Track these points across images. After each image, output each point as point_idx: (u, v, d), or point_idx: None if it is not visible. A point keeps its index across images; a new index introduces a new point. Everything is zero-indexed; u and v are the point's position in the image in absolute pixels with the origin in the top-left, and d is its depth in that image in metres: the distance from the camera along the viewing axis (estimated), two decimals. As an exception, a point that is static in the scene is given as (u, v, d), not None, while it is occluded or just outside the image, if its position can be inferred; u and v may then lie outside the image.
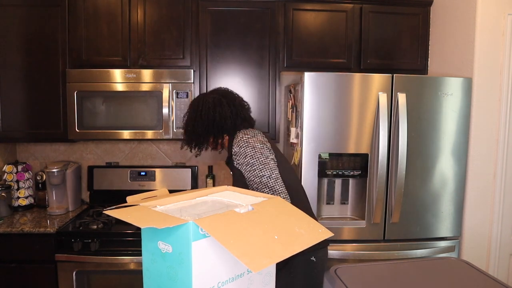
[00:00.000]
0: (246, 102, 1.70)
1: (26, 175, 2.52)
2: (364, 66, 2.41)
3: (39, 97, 2.31)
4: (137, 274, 2.06)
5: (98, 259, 2.06)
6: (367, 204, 2.05)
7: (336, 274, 0.81)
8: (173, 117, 2.28)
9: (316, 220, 1.00)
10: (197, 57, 2.34)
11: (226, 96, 1.62)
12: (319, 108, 1.98)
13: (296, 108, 2.14)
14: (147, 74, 2.27)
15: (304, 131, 1.99)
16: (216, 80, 2.36)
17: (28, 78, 2.30)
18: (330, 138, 2.00)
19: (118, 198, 2.56)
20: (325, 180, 2.13)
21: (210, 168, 2.70)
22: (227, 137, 1.61)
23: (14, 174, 2.47)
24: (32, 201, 2.55)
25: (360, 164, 2.03)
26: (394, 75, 2.01)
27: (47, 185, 2.46)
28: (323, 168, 2.02)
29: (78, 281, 2.07)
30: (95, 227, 2.13)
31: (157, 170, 2.62)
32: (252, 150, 1.46)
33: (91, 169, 2.62)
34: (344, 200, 2.16)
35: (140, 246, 0.72)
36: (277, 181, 1.43)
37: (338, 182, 2.15)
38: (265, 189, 1.41)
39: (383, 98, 1.99)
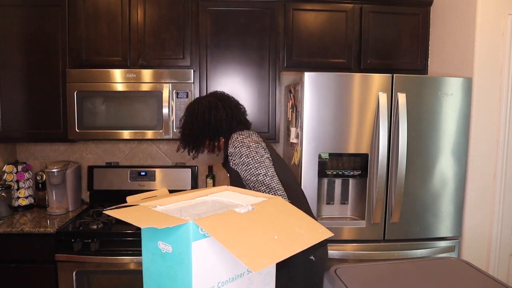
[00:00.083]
0: (242, 106, 1.73)
1: (26, 175, 2.52)
2: (364, 66, 2.41)
3: (39, 97, 2.31)
4: (137, 274, 2.06)
5: (98, 259, 2.06)
6: (367, 204, 2.05)
7: (336, 274, 0.81)
8: (173, 117, 2.28)
9: (316, 220, 1.00)
10: (197, 57, 2.34)
11: (222, 100, 1.65)
12: (319, 108, 1.98)
13: (296, 108, 2.14)
14: (147, 74, 2.27)
15: (304, 131, 1.99)
16: (216, 80, 2.36)
17: (28, 78, 2.30)
18: (330, 138, 2.00)
19: (118, 198, 2.56)
20: (325, 180, 2.13)
21: (210, 168, 2.70)
22: (223, 139, 1.63)
23: (14, 174, 2.47)
24: (32, 201, 2.55)
25: (360, 164, 2.03)
26: (394, 75, 2.01)
27: (47, 185, 2.46)
28: (323, 168, 2.02)
29: (78, 281, 2.07)
30: (95, 227, 2.13)
31: (157, 170, 2.62)
32: (247, 150, 1.48)
33: (91, 169, 2.62)
34: (344, 200, 2.16)
35: (140, 246, 0.72)
36: (273, 178, 1.44)
37: (338, 182, 2.15)
38: (261, 187, 1.42)
39: (383, 98, 1.99)
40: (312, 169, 2.01)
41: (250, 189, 1.45)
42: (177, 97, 2.28)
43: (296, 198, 1.51)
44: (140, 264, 2.05)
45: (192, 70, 2.30)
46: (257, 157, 1.46)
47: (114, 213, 0.70)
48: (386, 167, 2.02)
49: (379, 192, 2.02)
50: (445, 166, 2.08)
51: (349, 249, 2.04)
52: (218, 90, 2.29)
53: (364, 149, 2.03)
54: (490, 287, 0.77)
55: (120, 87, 2.27)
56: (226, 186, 0.95)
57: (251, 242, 0.64)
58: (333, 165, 2.03)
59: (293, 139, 2.18)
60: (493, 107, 2.07)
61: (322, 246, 1.54)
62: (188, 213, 0.74)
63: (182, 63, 2.34)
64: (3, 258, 2.09)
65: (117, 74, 2.27)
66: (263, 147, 1.52)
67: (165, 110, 2.26)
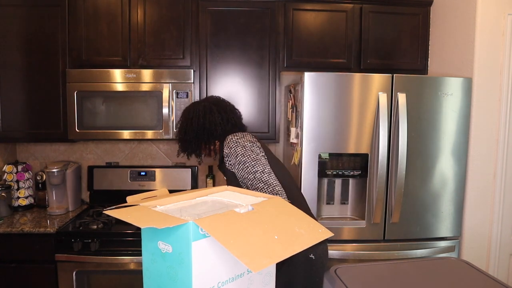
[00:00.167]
0: (238, 110, 1.75)
1: (26, 175, 2.52)
2: (364, 66, 2.41)
3: (39, 97, 2.31)
4: (137, 274, 2.06)
5: (98, 259, 2.06)
6: (367, 204, 2.05)
7: (336, 274, 0.81)
8: (173, 117, 2.28)
9: (316, 220, 1.00)
10: (197, 57, 2.34)
11: (217, 104, 1.68)
12: (319, 108, 1.98)
13: (296, 108, 2.14)
14: (147, 74, 2.27)
15: (304, 131, 1.99)
16: (216, 80, 2.36)
17: (28, 78, 2.30)
18: (330, 138, 2.00)
19: (118, 198, 2.56)
20: (325, 180, 2.13)
21: (210, 168, 2.70)
22: (218, 143, 1.65)
23: (14, 174, 2.47)
24: (32, 201, 2.55)
25: (360, 164, 2.03)
26: (394, 75, 2.01)
27: (47, 185, 2.46)
28: (323, 168, 2.02)
29: (78, 281, 2.07)
30: (95, 227, 2.13)
31: (157, 170, 2.62)
32: (243, 149, 1.49)
33: (91, 169, 2.62)
34: (344, 200, 2.16)
35: (140, 246, 0.72)
36: (271, 175, 1.45)
37: (338, 182, 2.15)
38: (259, 184, 1.42)
39: (383, 98, 1.99)
40: (312, 169, 2.01)
41: (248, 188, 1.46)
42: (177, 97, 2.28)
43: (296, 200, 1.51)
44: (140, 264, 2.05)
45: (192, 70, 2.30)
46: (253, 156, 1.48)
47: (114, 213, 0.70)
48: (386, 167, 2.02)
49: (379, 192, 2.02)
50: (445, 166, 2.08)
51: (349, 249, 2.04)
52: (217, 92, 2.35)
53: (364, 149, 2.03)
54: (490, 287, 0.77)
55: (120, 87, 2.27)
56: (226, 186, 0.95)
57: (251, 242, 0.64)
58: (333, 165, 2.03)
59: (293, 139, 2.18)
60: (493, 107, 2.07)
61: (321, 244, 1.54)
62: (188, 213, 0.74)
63: (182, 63, 2.34)
64: (3, 258, 2.09)
65: (117, 74, 2.27)
66: (258, 146, 1.54)
67: (165, 110, 2.26)
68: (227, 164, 1.53)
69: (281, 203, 0.80)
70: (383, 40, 2.42)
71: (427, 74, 2.48)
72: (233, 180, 1.52)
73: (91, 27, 2.30)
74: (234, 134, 1.57)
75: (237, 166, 1.48)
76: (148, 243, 0.71)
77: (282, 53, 2.38)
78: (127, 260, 2.07)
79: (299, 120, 2.05)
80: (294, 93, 2.20)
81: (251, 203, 0.78)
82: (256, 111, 2.39)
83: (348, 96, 1.99)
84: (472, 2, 2.08)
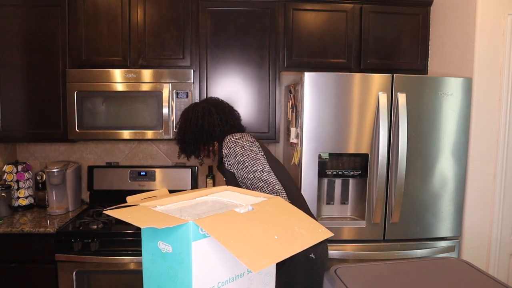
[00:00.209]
0: (237, 111, 1.77)
1: (26, 175, 2.52)
2: (364, 66, 2.41)
3: (39, 97, 2.31)
4: (137, 274, 2.06)
5: (98, 259, 2.06)
6: (367, 204, 2.05)
7: (336, 274, 0.81)
8: (173, 117, 2.28)
9: (316, 220, 1.00)
10: (197, 57, 2.34)
11: (216, 105, 1.69)
12: (319, 108, 1.98)
13: (296, 108, 2.14)
14: (147, 74, 2.27)
15: (304, 131, 1.99)
16: (216, 80, 2.36)
17: (28, 78, 2.30)
18: (330, 138, 2.00)
19: (118, 198, 2.56)
20: (325, 180, 2.13)
21: (210, 168, 2.70)
22: (217, 144, 1.66)
23: (14, 174, 2.47)
24: (32, 201, 2.55)
25: (360, 164, 2.03)
26: (394, 75, 2.01)
27: (47, 185, 2.46)
28: (323, 168, 2.02)
29: (78, 281, 2.07)
30: (95, 227, 2.13)
31: (157, 170, 2.62)
32: (242, 149, 1.49)
33: (91, 169, 2.62)
34: (344, 200, 2.16)
35: (140, 246, 0.72)
36: (270, 174, 1.45)
37: (338, 182, 2.15)
38: (259, 183, 1.42)
39: (383, 98, 1.99)
40: (312, 169, 2.01)
41: (247, 187, 1.46)
42: (177, 97, 2.28)
43: (296, 201, 1.51)
44: (140, 264, 2.05)
45: (192, 70, 2.30)
46: (252, 155, 1.48)
47: (114, 213, 0.70)
48: (386, 167, 2.02)
49: (379, 192, 2.02)
50: (445, 166, 2.08)
51: (349, 249, 2.04)
52: (217, 92, 2.36)
53: (364, 149, 2.03)
54: (490, 287, 0.77)
55: (120, 87, 2.27)
56: (226, 186, 0.95)
57: (251, 242, 0.64)
58: (333, 165, 2.03)
59: (293, 139, 2.18)
60: (493, 107, 2.07)
61: (321, 243, 1.54)
62: (188, 213, 0.74)
63: (182, 63, 2.34)
64: (3, 258, 2.09)
65: (117, 74, 2.27)
66: (257, 146, 1.54)
67: (165, 110, 2.26)
68: (226, 165, 1.53)
69: (281, 203, 0.80)
70: (383, 40, 2.42)
71: (427, 74, 2.48)
72: (232, 181, 1.52)
73: (91, 27, 2.30)
74: (233, 134, 1.57)
75: (236, 166, 1.48)
76: (148, 243, 0.71)
77: (282, 53, 2.38)
78: (127, 260, 2.07)
79: (299, 120, 2.05)
80: (294, 93, 2.20)
81: (251, 203, 0.78)
82: (256, 111, 2.39)
83: (348, 96, 1.99)
84: (472, 2, 2.08)
